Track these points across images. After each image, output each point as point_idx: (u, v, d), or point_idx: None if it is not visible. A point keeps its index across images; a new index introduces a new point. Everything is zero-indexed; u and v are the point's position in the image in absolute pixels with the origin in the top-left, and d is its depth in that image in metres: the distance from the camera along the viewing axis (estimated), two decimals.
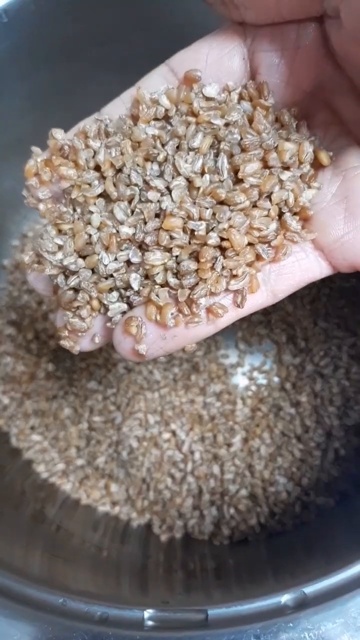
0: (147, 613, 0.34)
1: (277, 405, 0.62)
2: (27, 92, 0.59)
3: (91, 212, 0.32)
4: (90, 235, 0.32)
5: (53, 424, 0.62)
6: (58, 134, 0.33)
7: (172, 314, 0.30)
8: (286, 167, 0.31)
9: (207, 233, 0.30)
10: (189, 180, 0.30)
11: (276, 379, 0.64)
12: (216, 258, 0.30)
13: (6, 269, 0.69)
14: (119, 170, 0.32)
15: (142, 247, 0.31)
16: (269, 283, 0.32)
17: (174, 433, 0.61)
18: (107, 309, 0.32)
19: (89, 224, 0.32)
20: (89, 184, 0.32)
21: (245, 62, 0.32)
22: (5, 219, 0.69)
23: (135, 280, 0.31)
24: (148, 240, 0.30)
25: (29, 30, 0.53)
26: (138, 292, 0.31)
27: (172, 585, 0.51)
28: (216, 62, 0.32)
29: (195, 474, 0.59)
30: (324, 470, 0.57)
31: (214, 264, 0.30)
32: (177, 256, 0.30)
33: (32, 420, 0.62)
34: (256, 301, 0.32)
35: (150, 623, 0.34)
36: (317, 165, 0.32)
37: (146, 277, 0.31)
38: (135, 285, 0.31)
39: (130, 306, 0.32)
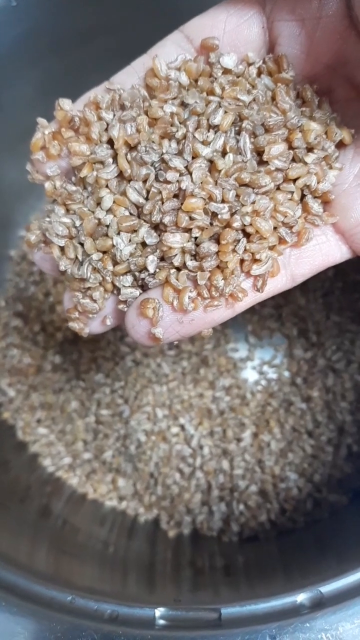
0: (159, 611, 0.33)
1: (287, 400, 0.61)
2: (37, 80, 0.58)
3: (102, 195, 0.30)
4: (99, 219, 0.30)
5: (59, 417, 0.61)
6: (66, 104, 0.31)
7: (189, 297, 0.29)
8: (310, 148, 0.30)
9: (231, 216, 0.28)
10: (210, 161, 0.29)
11: (287, 374, 0.62)
12: (238, 240, 0.29)
13: (13, 259, 0.68)
14: (133, 147, 0.30)
15: (159, 227, 0.30)
16: (289, 267, 0.31)
17: (182, 427, 0.60)
18: (119, 291, 0.31)
19: (99, 204, 0.30)
20: (102, 162, 0.30)
21: (264, 31, 0.31)
22: (13, 210, 0.68)
23: (152, 262, 0.29)
24: (167, 220, 0.28)
25: (39, 16, 0.52)
26: (153, 275, 0.30)
27: (180, 583, 0.50)
28: (234, 30, 0.31)
29: (204, 469, 0.58)
30: (337, 467, 0.56)
31: (235, 246, 0.29)
32: (196, 238, 0.29)
33: (38, 414, 0.61)
34: (275, 285, 0.31)
35: (161, 622, 0.32)
36: (338, 144, 0.31)
37: (162, 258, 0.30)
38: (151, 268, 0.30)
39: (144, 289, 0.31)
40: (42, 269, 0.34)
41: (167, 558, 0.54)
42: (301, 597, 0.33)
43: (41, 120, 0.32)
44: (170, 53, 0.32)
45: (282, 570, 0.49)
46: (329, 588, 0.33)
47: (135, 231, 0.30)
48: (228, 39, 0.31)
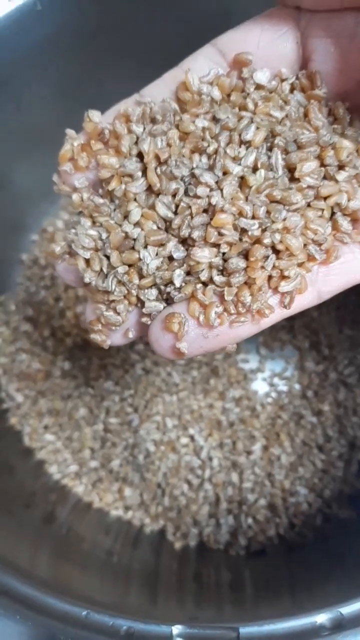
0: (176, 629, 0.32)
1: (298, 413, 0.60)
2: (57, 82, 0.57)
3: (130, 208, 0.30)
4: (126, 232, 0.30)
5: (67, 424, 0.61)
6: (95, 116, 0.31)
7: (216, 312, 0.29)
8: (341, 166, 0.30)
9: (261, 233, 0.28)
10: (241, 177, 0.29)
11: (297, 386, 0.62)
12: (267, 257, 0.28)
13: (24, 263, 0.67)
14: (163, 162, 0.30)
15: (187, 241, 0.29)
16: (316, 284, 0.31)
17: (192, 438, 0.59)
18: (143, 304, 0.31)
19: (126, 217, 0.30)
20: (131, 176, 0.30)
21: (298, 47, 0.30)
22: (25, 214, 0.68)
23: (178, 277, 0.29)
24: (195, 235, 0.28)
25: (63, 19, 0.52)
26: (179, 289, 0.30)
27: (185, 596, 0.49)
28: (268, 46, 0.30)
29: (213, 481, 0.57)
30: (347, 482, 0.55)
31: (264, 262, 0.28)
32: (224, 253, 0.29)
33: (45, 420, 0.61)
34: (302, 302, 0.30)
35: (179, 639, 0.32)
36: None
37: (188, 273, 0.30)
38: (177, 282, 0.29)
39: (168, 302, 0.30)
40: (64, 280, 0.33)
41: (172, 570, 0.53)
42: (321, 618, 0.32)
43: (70, 132, 0.31)
44: (203, 67, 0.31)
45: (290, 586, 0.49)
46: (349, 609, 0.32)
47: (162, 245, 0.30)
48: (261, 54, 0.31)
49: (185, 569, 0.53)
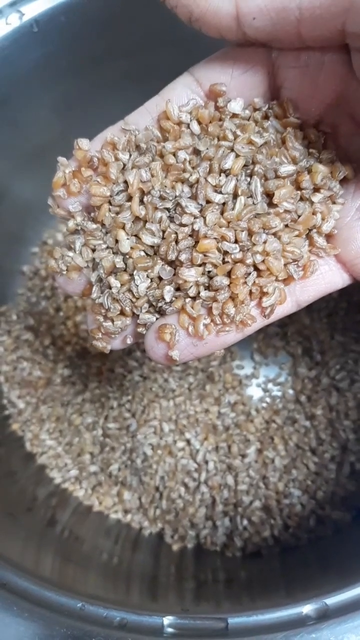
0: (167, 620, 0.34)
1: (291, 417, 0.62)
2: (53, 102, 0.60)
3: (119, 238, 0.32)
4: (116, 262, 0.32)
5: (67, 430, 0.62)
6: (84, 144, 0.33)
7: (204, 324, 0.31)
8: (317, 189, 0.32)
9: (242, 254, 0.30)
10: (223, 203, 0.31)
11: (291, 392, 0.64)
12: (249, 274, 0.31)
13: (25, 275, 0.69)
14: (147, 192, 0.32)
15: (175, 262, 0.31)
16: (294, 294, 0.33)
17: (188, 442, 0.61)
18: (137, 317, 0.33)
19: (117, 241, 0.32)
20: (119, 206, 0.32)
21: (270, 77, 0.32)
22: (25, 226, 0.70)
23: (168, 292, 0.32)
24: (183, 257, 0.30)
25: (58, 42, 0.54)
26: (170, 303, 0.32)
27: (183, 595, 0.50)
28: (241, 76, 0.32)
29: (209, 484, 0.58)
30: (340, 484, 0.57)
31: (245, 279, 0.31)
32: (209, 271, 0.31)
33: (46, 426, 0.62)
34: (282, 310, 0.33)
35: (169, 630, 0.33)
36: (341, 179, 0.32)
37: (177, 288, 0.32)
38: (167, 297, 0.32)
39: (161, 314, 0.33)
40: (64, 291, 0.36)
41: (171, 571, 0.54)
42: (307, 609, 0.34)
43: (61, 159, 0.34)
44: (181, 95, 0.33)
45: (285, 586, 0.50)
46: (334, 600, 0.34)
47: (151, 268, 0.32)
48: (235, 84, 0.32)
49: (183, 571, 0.54)
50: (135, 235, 0.32)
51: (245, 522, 0.57)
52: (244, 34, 0.28)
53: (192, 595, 0.50)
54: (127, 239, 0.32)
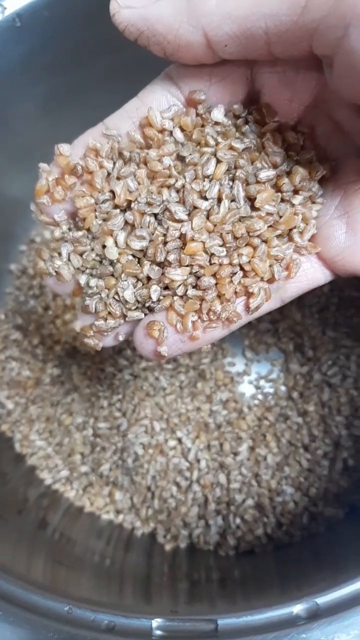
0: (155, 622, 0.33)
1: (284, 414, 0.61)
2: (39, 97, 0.59)
3: (107, 245, 0.32)
4: (103, 263, 0.33)
5: (57, 430, 0.62)
6: (65, 149, 0.33)
7: (191, 321, 0.32)
8: (297, 191, 0.32)
9: (229, 256, 0.31)
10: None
11: (283, 388, 0.63)
12: (235, 273, 0.32)
13: (13, 273, 0.69)
14: (134, 200, 0.32)
15: (163, 262, 0.32)
16: (279, 292, 0.34)
17: (179, 441, 0.60)
18: (126, 317, 0.33)
19: (104, 247, 0.32)
20: (106, 213, 0.32)
21: (248, 82, 0.32)
22: (13, 224, 0.69)
23: (155, 292, 0.32)
24: (171, 258, 0.31)
25: (42, 36, 0.53)
26: (158, 302, 0.32)
27: (177, 595, 0.50)
28: (220, 83, 0.32)
29: (201, 482, 0.58)
30: (332, 481, 0.56)
31: (231, 278, 0.32)
32: (197, 271, 0.32)
33: (36, 426, 0.62)
34: (267, 307, 0.34)
35: (158, 632, 0.33)
36: (320, 179, 0.33)
37: (165, 287, 0.32)
38: (154, 297, 0.32)
39: (150, 311, 0.33)
40: (55, 292, 0.36)
41: (164, 571, 0.54)
42: (297, 608, 0.33)
43: (43, 166, 0.33)
44: (161, 100, 0.33)
45: (279, 583, 0.49)
46: (324, 599, 0.33)
47: (140, 269, 0.32)
48: (214, 90, 0.32)
49: (176, 571, 0.54)
50: None
51: (238, 520, 0.56)
52: (220, 57, 0.29)
53: (186, 595, 0.50)
54: (115, 248, 0.32)
